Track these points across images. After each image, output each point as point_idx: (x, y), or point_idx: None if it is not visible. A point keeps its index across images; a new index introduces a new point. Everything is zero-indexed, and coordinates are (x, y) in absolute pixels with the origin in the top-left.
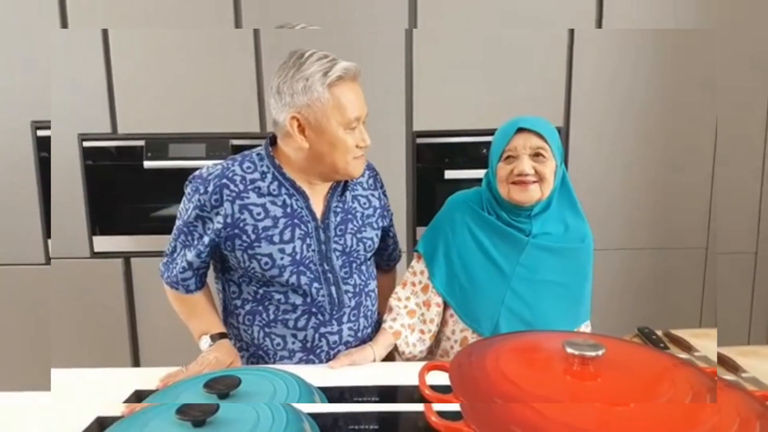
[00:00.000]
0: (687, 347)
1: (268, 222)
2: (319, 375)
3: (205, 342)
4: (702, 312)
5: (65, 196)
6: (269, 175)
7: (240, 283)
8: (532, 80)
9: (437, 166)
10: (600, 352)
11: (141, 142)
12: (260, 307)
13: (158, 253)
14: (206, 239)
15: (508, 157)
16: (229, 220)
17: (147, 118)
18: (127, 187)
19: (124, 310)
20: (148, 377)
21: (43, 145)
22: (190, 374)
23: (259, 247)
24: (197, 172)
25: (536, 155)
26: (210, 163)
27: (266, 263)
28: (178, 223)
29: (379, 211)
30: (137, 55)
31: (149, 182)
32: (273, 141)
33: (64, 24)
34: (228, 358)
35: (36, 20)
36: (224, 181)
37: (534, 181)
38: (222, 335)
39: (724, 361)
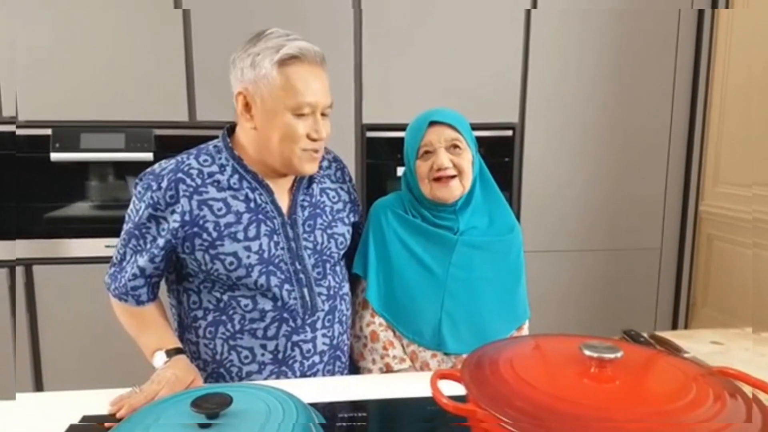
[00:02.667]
0: (675, 349)
1: (230, 218)
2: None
3: (159, 358)
4: (657, 312)
5: None
6: (229, 168)
7: (200, 290)
8: (486, 74)
9: (389, 161)
10: (619, 355)
11: (47, 131)
12: (224, 317)
13: (62, 260)
14: (161, 241)
15: (425, 153)
16: (186, 217)
17: (55, 102)
18: (29, 183)
19: (24, 325)
20: (95, 401)
21: None
22: (147, 396)
23: (222, 246)
24: (149, 169)
25: (452, 147)
26: (132, 155)
27: (231, 263)
28: (127, 226)
29: (349, 205)
30: (44, 27)
31: (56, 178)
32: (231, 131)
33: None
34: (188, 376)
35: None
36: (179, 175)
37: (454, 176)
38: (178, 350)
39: (665, 343)
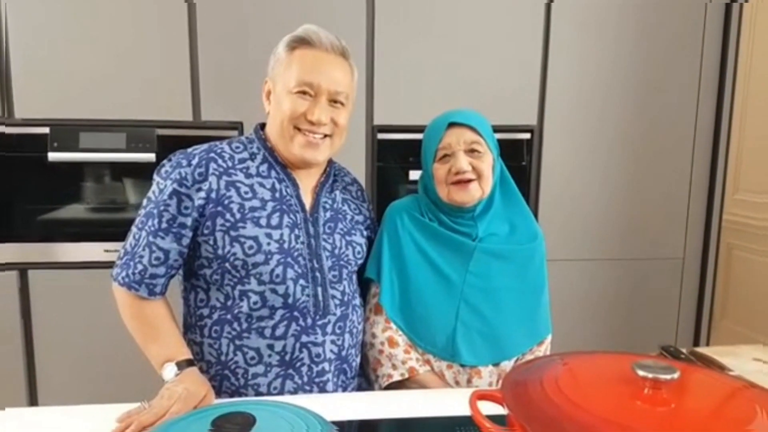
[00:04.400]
0: (719, 367)
1: (255, 203)
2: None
3: (170, 370)
4: (678, 324)
5: None
6: (259, 156)
7: (208, 287)
8: (503, 74)
9: (401, 164)
10: (675, 375)
11: (45, 130)
12: (229, 315)
13: (61, 265)
14: (188, 220)
15: (444, 156)
16: (213, 195)
17: (53, 100)
18: (26, 185)
19: (18, 333)
20: (100, 416)
21: None
22: (158, 413)
23: (244, 228)
24: (178, 151)
25: (471, 151)
26: (133, 156)
27: (251, 247)
28: (145, 210)
29: (368, 222)
30: (42, 22)
31: (54, 178)
32: (263, 128)
33: None
34: (200, 390)
35: None
36: (211, 155)
37: (473, 179)
38: (189, 362)
39: (707, 361)
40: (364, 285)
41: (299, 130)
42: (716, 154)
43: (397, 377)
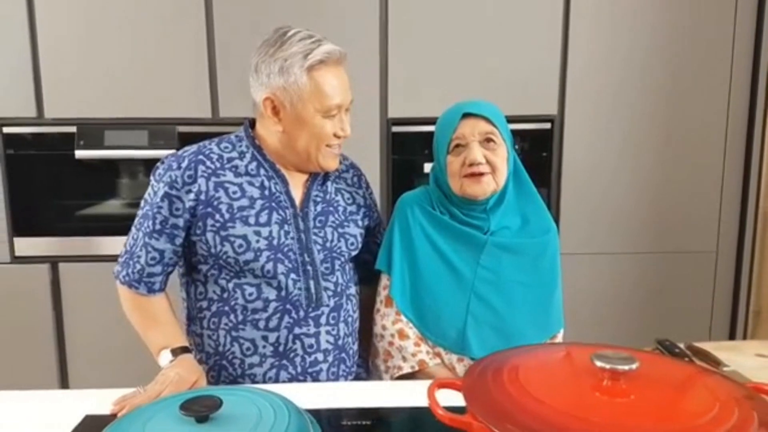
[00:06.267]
0: (714, 361)
1: (243, 202)
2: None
3: (165, 357)
4: (712, 320)
5: None
6: (248, 155)
7: (206, 280)
8: (521, 61)
9: (416, 157)
10: (633, 366)
11: (72, 129)
12: (226, 307)
13: (90, 257)
14: (180, 221)
15: (457, 146)
16: (202, 197)
17: (79, 100)
18: (55, 181)
19: (50, 323)
20: (98, 400)
21: (9, 143)
22: (149, 396)
23: (233, 228)
24: (169, 153)
25: (486, 141)
26: (155, 152)
27: (240, 246)
28: (141, 211)
29: (363, 210)
30: (67, 26)
31: (81, 175)
32: (252, 124)
33: None
34: (192, 376)
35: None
36: (200, 157)
37: (486, 172)
38: (184, 349)
39: (703, 355)
40: (375, 276)
41: (329, 147)
42: (751, 139)
43: (407, 369)
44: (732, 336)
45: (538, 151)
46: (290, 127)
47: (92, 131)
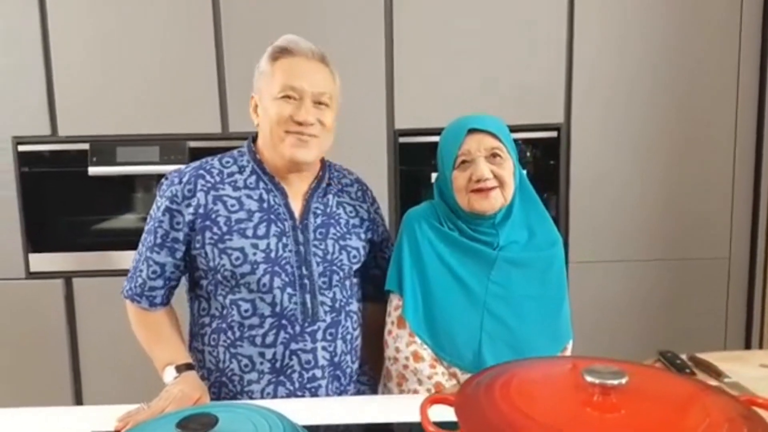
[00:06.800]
0: (716, 373)
1: (242, 215)
2: (302, 411)
3: (169, 373)
4: (727, 329)
5: None
6: (248, 169)
7: (208, 297)
8: (527, 70)
9: (423, 168)
10: (623, 381)
11: (85, 146)
12: (224, 324)
13: (103, 272)
14: (180, 235)
15: (463, 162)
16: (201, 210)
17: (92, 118)
18: (68, 198)
19: (64, 338)
20: (104, 417)
21: (24, 161)
22: (153, 412)
23: (231, 240)
24: (174, 169)
25: (493, 156)
26: (166, 168)
27: (237, 258)
28: (146, 227)
29: (367, 223)
30: (80, 46)
31: (94, 191)
32: (256, 139)
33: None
34: (195, 393)
35: (19, 35)
36: (200, 172)
37: (494, 186)
38: (189, 366)
39: (705, 367)
40: (381, 294)
41: (288, 132)
42: (761, 144)
43: (423, 393)
44: (747, 342)
45: (545, 159)
46: (261, 118)
47: (105, 148)
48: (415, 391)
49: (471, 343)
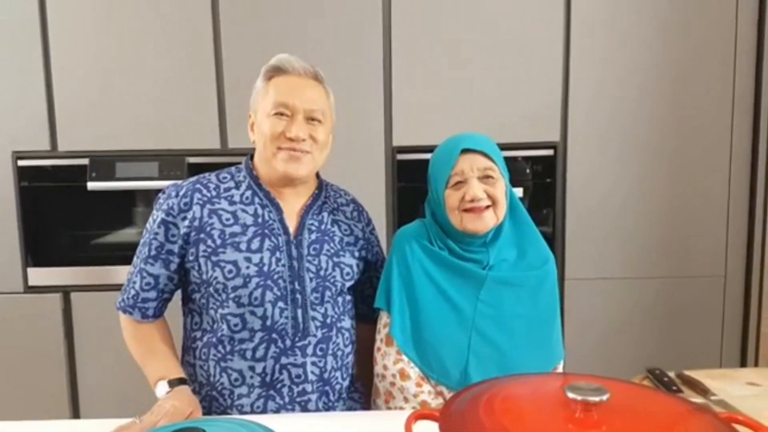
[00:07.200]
0: (703, 390)
1: (236, 228)
2: (294, 425)
3: (162, 388)
4: (722, 346)
5: None
6: (244, 184)
7: (201, 310)
8: (523, 89)
9: (421, 185)
10: (604, 397)
11: (84, 161)
12: (214, 338)
13: (102, 287)
14: (175, 247)
15: (457, 183)
16: (196, 223)
17: (91, 133)
18: (68, 212)
19: (62, 352)
20: (98, 430)
21: (24, 175)
22: (144, 427)
23: (224, 253)
24: (171, 183)
25: (485, 177)
26: (165, 183)
27: (230, 271)
28: (142, 240)
29: (362, 242)
30: (80, 61)
31: (93, 206)
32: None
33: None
34: (187, 407)
35: (20, 51)
36: (197, 186)
37: (487, 206)
38: (181, 381)
39: (692, 384)
40: (375, 313)
41: (281, 149)
42: (756, 162)
43: (409, 410)
44: (743, 361)
45: (542, 177)
46: (256, 136)
47: (104, 163)
48: (402, 408)
49: (458, 362)
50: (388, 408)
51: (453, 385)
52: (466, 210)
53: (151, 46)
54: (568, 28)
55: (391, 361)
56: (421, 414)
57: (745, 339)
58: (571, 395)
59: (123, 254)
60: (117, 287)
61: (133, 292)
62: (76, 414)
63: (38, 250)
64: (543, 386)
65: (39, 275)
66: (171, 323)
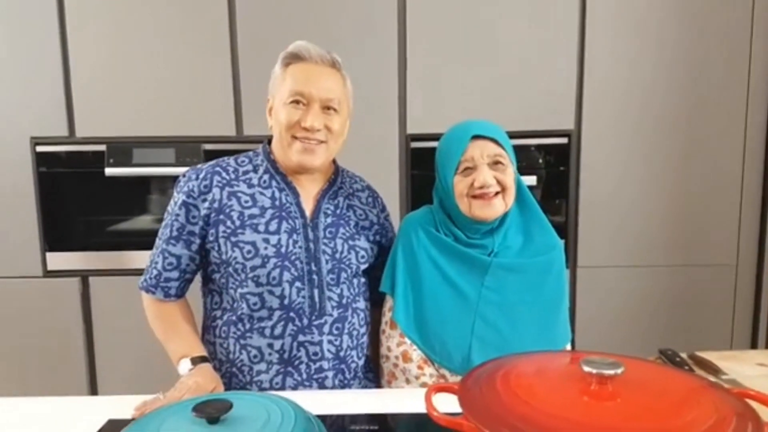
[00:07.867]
0: (714, 370)
1: (254, 210)
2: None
3: (184, 365)
4: (733, 334)
5: (15, 207)
6: (262, 168)
7: (220, 289)
8: (537, 77)
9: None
10: (619, 371)
11: (102, 147)
12: (234, 317)
13: (119, 272)
14: (196, 228)
15: (466, 168)
16: (216, 205)
17: (108, 119)
18: (85, 198)
19: (80, 335)
20: (121, 406)
21: (42, 161)
22: (168, 402)
23: (243, 234)
24: (191, 167)
25: (495, 163)
26: (182, 169)
27: (249, 251)
28: (164, 222)
29: (376, 227)
30: (98, 49)
31: (111, 192)
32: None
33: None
34: (210, 384)
35: (38, 38)
36: (217, 169)
37: (497, 193)
38: (203, 359)
39: (704, 365)
40: (381, 295)
41: (296, 138)
42: None
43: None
44: (754, 347)
45: (556, 165)
46: (273, 123)
47: (121, 149)
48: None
49: (461, 346)
50: (390, 388)
51: (455, 369)
52: (475, 196)
53: (167, 33)
54: (583, 17)
55: (395, 343)
56: (441, 387)
57: (755, 328)
58: (586, 368)
59: (140, 240)
60: (134, 272)
61: (155, 272)
62: (94, 395)
63: (56, 235)
64: (557, 362)
65: (57, 260)
66: (191, 305)
